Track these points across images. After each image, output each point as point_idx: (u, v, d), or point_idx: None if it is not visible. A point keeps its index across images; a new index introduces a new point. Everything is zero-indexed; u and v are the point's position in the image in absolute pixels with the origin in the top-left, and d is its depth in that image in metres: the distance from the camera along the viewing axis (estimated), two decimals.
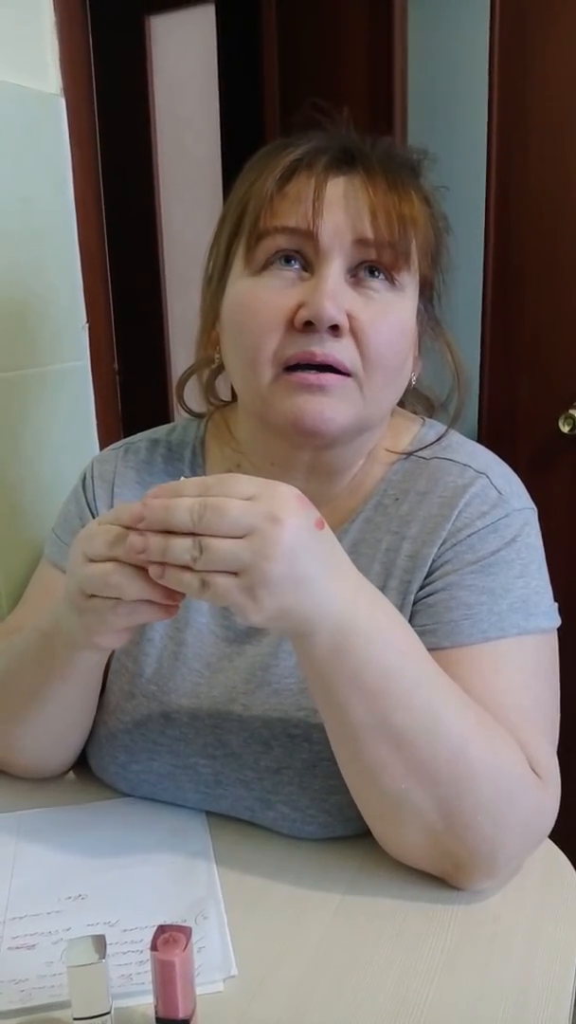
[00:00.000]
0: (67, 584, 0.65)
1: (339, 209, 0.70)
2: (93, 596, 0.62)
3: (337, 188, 0.71)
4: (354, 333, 0.70)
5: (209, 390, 0.87)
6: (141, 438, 0.91)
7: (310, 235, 0.70)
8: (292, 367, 0.71)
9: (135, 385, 1.66)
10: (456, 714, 0.64)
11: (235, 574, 0.56)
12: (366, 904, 0.69)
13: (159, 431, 0.91)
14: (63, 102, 1.19)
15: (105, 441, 1.29)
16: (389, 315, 0.72)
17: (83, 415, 1.28)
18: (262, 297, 0.71)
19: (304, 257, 0.71)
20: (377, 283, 0.72)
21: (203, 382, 0.86)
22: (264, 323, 0.71)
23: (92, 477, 0.89)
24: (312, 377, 0.70)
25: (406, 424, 0.83)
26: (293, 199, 0.70)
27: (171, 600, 0.61)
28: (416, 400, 0.86)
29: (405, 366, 0.76)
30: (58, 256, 1.20)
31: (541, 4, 1.42)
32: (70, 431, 1.25)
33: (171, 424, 0.93)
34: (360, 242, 0.70)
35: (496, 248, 1.54)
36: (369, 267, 0.71)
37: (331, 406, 0.71)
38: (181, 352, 2.00)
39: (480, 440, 0.82)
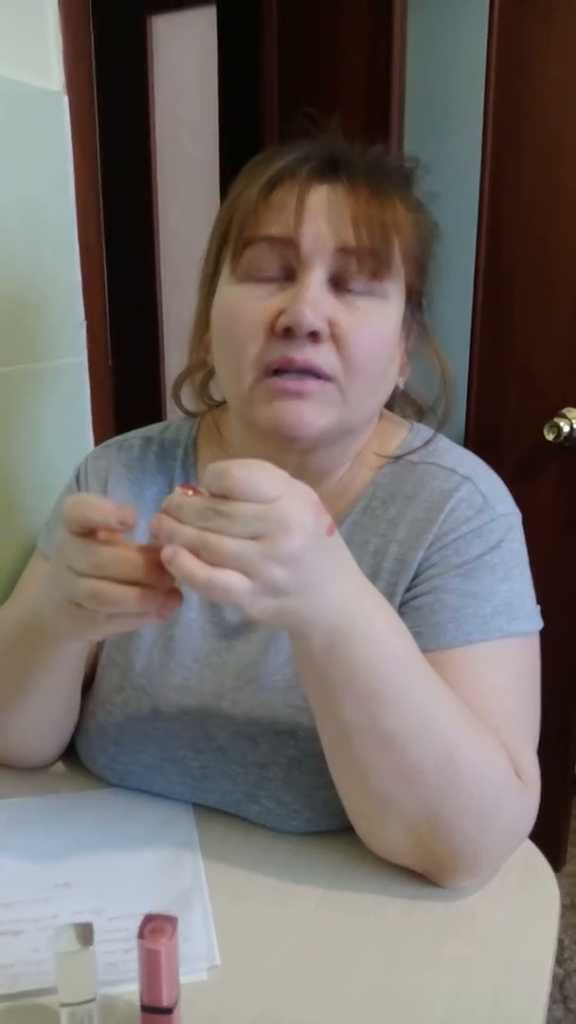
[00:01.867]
0: (52, 589, 0.64)
1: (321, 217, 0.70)
2: (82, 605, 0.61)
3: (320, 196, 0.71)
4: (335, 340, 0.71)
5: (203, 392, 0.88)
6: (135, 436, 0.92)
7: (292, 243, 0.70)
8: (274, 371, 0.72)
9: (129, 382, 1.66)
10: (447, 719, 0.65)
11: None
12: (348, 898, 0.70)
13: (153, 429, 0.92)
14: (66, 100, 1.20)
15: (99, 437, 1.30)
16: (371, 322, 0.72)
17: (78, 411, 1.28)
18: (245, 304, 0.72)
19: (287, 265, 0.72)
20: (360, 291, 0.72)
21: (196, 385, 0.87)
22: (246, 329, 0.72)
23: (86, 473, 0.90)
24: (292, 384, 0.71)
25: (394, 428, 0.84)
26: (277, 208, 0.71)
27: (165, 607, 0.60)
28: (405, 404, 0.87)
29: (388, 372, 0.76)
30: (58, 253, 1.20)
31: (539, 15, 1.44)
32: (65, 427, 1.25)
33: (165, 423, 0.94)
34: (342, 250, 0.71)
35: (487, 257, 1.56)
36: (352, 275, 0.72)
37: (311, 411, 0.71)
38: (175, 350, 2.00)
39: (467, 447, 0.83)
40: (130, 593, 0.59)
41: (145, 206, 1.96)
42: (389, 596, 0.76)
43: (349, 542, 0.78)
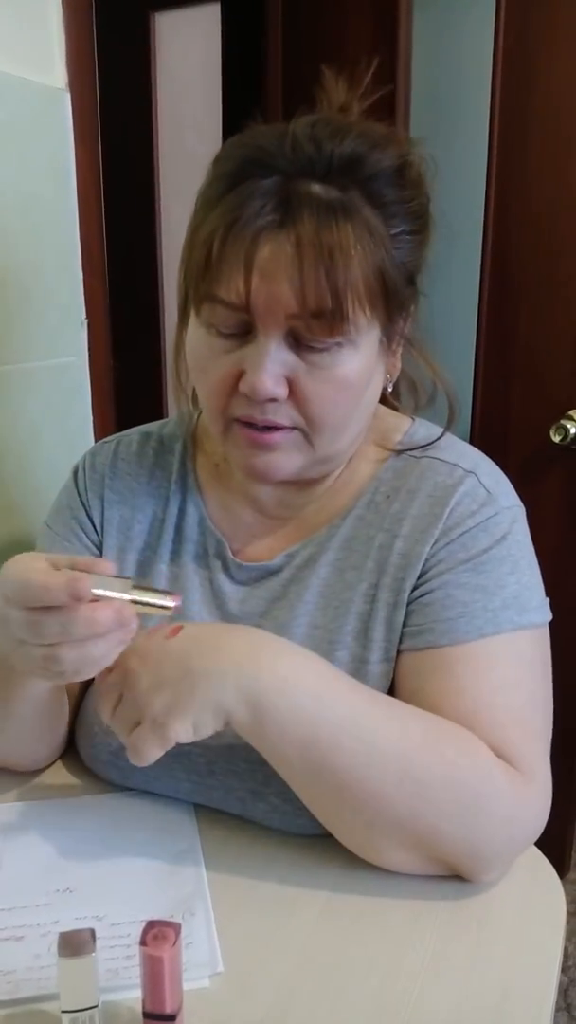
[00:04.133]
0: (12, 654, 0.64)
1: (269, 281, 0.66)
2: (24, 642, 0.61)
3: (267, 254, 0.66)
4: (295, 397, 0.71)
5: (196, 397, 0.87)
6: (133, 431, 0.93)
7: (244, 308, 0.68)
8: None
9: (131, 382, 1.66)
10: (393, 738, 0.67)
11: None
12: (352, 903, 0.70)
13: (152, 425, 0.93)
14: (68, 97, 1.19)
15: (101, 437, 1.30)
16: (334, 377, 0.70)
17: (80, 411, 1.28)
18: (208, 360, 0.72)
19: (245, 322, 0.69)
20: (318, 346, 0.69)
21: (189, 391, 0.86)
22: (211, 385, 0.72)
23: (84, 469, 0.90)
24: (258, 436, 0.72)
25: (395, 421, 0.84)
26: (228, 266, 0.67)
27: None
28: (406, 395, 0.85)
29: (361, 403, 0.75)
30: (59, 252, 1.20)
31: (544, 12, 1.43)
32: (66, 427, 1.25)
33: (164, 419, 0.94)
34: (293, 316, 0.68)
35: (493, 258, 1.56)
36: (307, 336, 0.69)
37: (278, 460, 0.74)
38: None
39: None
40: (94, 650, 0.61)
41: (147, 204, 1.95)
42: (396, 591, 0.76)
43: (354, 536, 0.79)
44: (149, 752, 0.65)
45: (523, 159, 1.49)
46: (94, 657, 0.61)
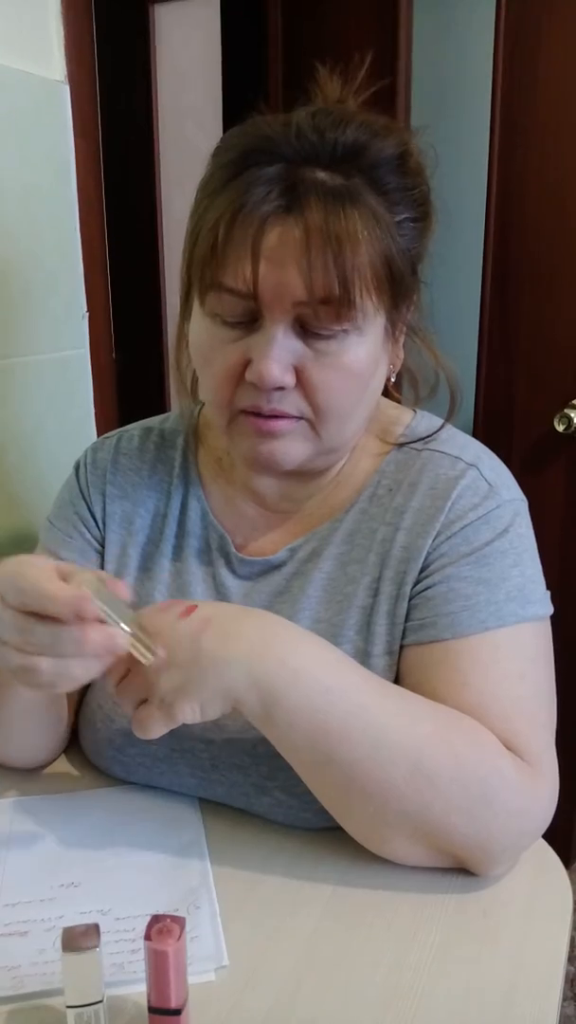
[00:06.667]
0: None
1: (276, 267, 0.66)
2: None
3: (274, 240, 0.66)
4: (303, 386, 0.70)
5: (195, 390, 0.87)
6: (135, 426, 0.92)
7: (251, 296, 0.68)
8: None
9: (133, 375, 1.66)
10: (403, 730, 0.66)
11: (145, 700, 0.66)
12: (357, 896, 0.70)
13: (153, 420, 0.93)
14: (67, 89, 1.19)
15: (102, 430, 1.29)
16: (340, 365, 0.70)
17: (81, 404, 1.28)
18: (214, 348, 0.71)
19: (251, 310, 0.69)
20: (326, 334, 0.69)
21: (188, 383, 0.86)
22: (217, 375, 0.72)
23: (86, 464, 0.90)
24: (263, 424, 0.72)
25: (397, 413, 0.84)
26: (234, 253, 0.67)
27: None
28: (407, 387, 0.85)
29: (368, 391, 0.75)
30: (59, 244, 1.20)
31: (545, 1, 1.42)
32: (68, 420, 1.25)
33: (166, 414, 0.94)
34: (300, 303, 0.68)
35: (495, 248, 1.55)
36: (314, 324, 0.69)
37: (283, 448, 0.73)
38: None
39: (475, 437, 0.82)
40: (74, 669, 0.61)
41: (148, 196, 1.95)
42: (397, 584, 0.76)
43: (356, 530, 0.79)
44: (154, 729, 0.65)
45: (525, 148, 1.48)
46: (73, 675, 0.62)
